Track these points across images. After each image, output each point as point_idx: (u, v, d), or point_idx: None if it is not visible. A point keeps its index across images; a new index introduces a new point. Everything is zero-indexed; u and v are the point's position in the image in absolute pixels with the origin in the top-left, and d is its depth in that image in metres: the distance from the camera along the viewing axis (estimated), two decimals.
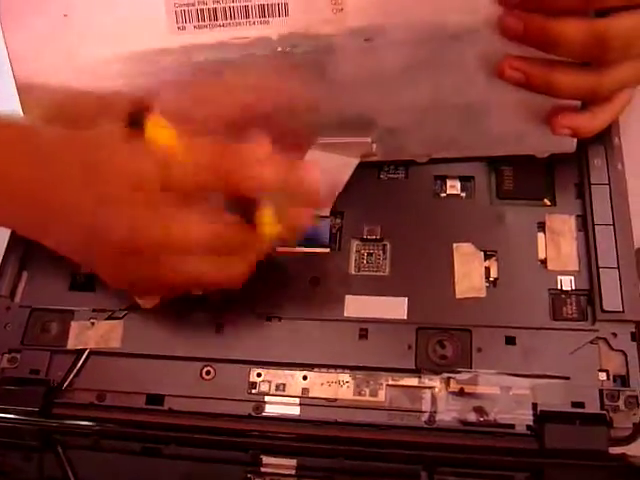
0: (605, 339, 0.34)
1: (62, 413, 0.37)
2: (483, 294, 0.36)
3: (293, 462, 0.36)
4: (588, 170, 0.38)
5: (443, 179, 0.40)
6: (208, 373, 0.37)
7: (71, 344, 0.39)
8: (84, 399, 0.37)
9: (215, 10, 0.34)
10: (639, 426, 0.33)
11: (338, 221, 0.40)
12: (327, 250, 0.39)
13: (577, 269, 0.36)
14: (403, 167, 0.40)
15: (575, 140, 0.37)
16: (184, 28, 0.34)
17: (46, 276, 0.41)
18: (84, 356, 0.38)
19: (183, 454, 0.37)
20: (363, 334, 0.36)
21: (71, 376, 0.38)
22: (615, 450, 0.32)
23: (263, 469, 0.36)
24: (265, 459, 0.36)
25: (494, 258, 0.37)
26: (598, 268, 0.36)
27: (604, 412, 0.33)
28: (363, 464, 0.35)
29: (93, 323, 0.39)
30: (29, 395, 0.37)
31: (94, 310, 0.39)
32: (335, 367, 0.36)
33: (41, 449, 0.38)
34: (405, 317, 0.36)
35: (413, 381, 0.35)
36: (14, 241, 0.42)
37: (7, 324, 0.40)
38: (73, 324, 0.39)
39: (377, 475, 0.35)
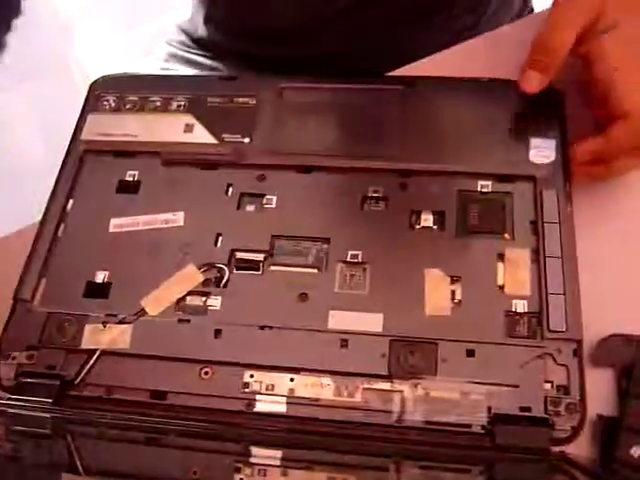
0: (551, 354, 0.40)
1: (74, 405, 0.42)
2: (449, 313, 0.42)
3: (279, 454, 0.40)
4: (542, 210, 0.44)
5: (418, 213, 0.46)
6: (206, 373, 0.42)
7: (85, 344, 0.43)
8: (94, 393, 0.42)
9: None
10: (577, 428, 0.38)
11: (325, 246, 0.45)
12: (315, 270, 0.44)
13: (529, 294, 0.42)
14: (383, 201, 0.46)
15: None
16: None
17: (63, 283, 0.46)
18: (96, 355, 0.43)
19: (181, 445, 0.41)
20: (344, 344, 0.42)
21: (83, 372, 0.43)
22: (556, 449, 0.38)
23: (252, 459, 0.40)
24: (254, 450, 0.41)
25: (459, 283, 0.43)
26: (547, 294, 0.41)
27: (547, 416, 0.39)
28: (340, 457, 0.40)
29: (105, 326, 0.44)
30: (45, 387, 0.42)
31: (107, 315, 0.44)
32: (318, 371, 0.41)
33: (52, 437, 0.42)
34: (381, 330, 0.42)
35: (385, 385, 0.40)
36: (35, 250, 0.47)
37: (26, 324, 0.44)
38: (87, 327, 0.44)
39: (352, 467, 0.40)
